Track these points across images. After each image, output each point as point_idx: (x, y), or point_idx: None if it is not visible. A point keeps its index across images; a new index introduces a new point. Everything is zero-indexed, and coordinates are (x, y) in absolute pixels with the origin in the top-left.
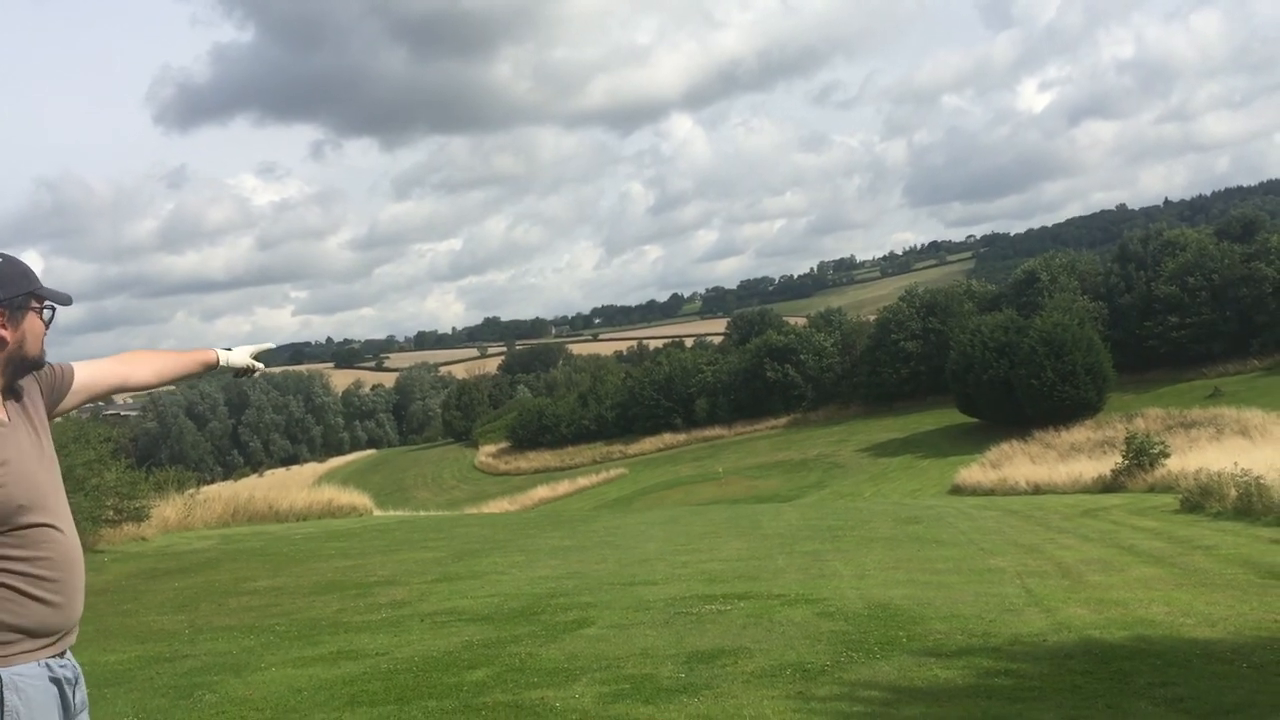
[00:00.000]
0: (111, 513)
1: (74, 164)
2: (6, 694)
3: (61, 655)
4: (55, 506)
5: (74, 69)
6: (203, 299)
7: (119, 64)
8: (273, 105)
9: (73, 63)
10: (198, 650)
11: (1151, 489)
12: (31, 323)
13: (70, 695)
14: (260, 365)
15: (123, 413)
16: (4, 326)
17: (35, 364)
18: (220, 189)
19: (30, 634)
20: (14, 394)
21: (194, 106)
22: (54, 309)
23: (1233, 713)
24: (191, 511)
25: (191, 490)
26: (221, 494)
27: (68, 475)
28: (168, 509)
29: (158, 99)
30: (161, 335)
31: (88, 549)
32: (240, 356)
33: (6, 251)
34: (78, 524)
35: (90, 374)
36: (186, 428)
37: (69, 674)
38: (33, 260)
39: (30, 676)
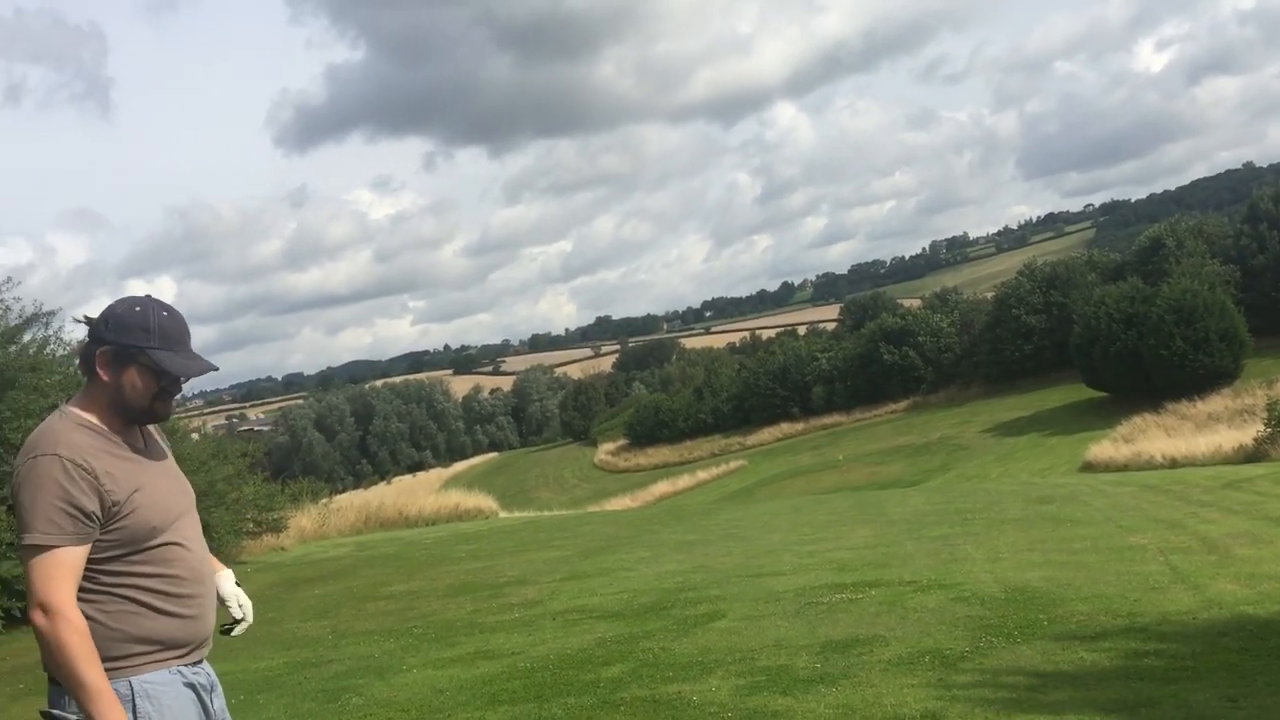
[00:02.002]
0: (251, 525)
1: (201, 190)
2: (138, 701)
3: (195, 664)
4: (186, 527)
5: (197, 98)
6: (325, 313)
7: (239, 90)
8: (385, 120)
9: (195, 92)
10: (341, 655)
11: None
12: (132, 376)
13: (208, 701)
14: (244, 616)
15: (256, 428)
16: (105, 367)
17: (148, 416)
18: (338, 205)
19: (162, 645)
20: (145, 430)
21: (311, 127)
22: (177, 379)
23: None
24: (326, 520)
25: (325, 500)
26: (353, 502)
27: (209, 491)
28: (304, 519)
29: (277, 121)
30: (290, 350)
31: (231, 561)
32: (229, 585)
33: (162, 300)
34: (221, 537)
35: None
36: (316, 439)
37: (204, 680)
38: (166, 285)
39: (161, 683)
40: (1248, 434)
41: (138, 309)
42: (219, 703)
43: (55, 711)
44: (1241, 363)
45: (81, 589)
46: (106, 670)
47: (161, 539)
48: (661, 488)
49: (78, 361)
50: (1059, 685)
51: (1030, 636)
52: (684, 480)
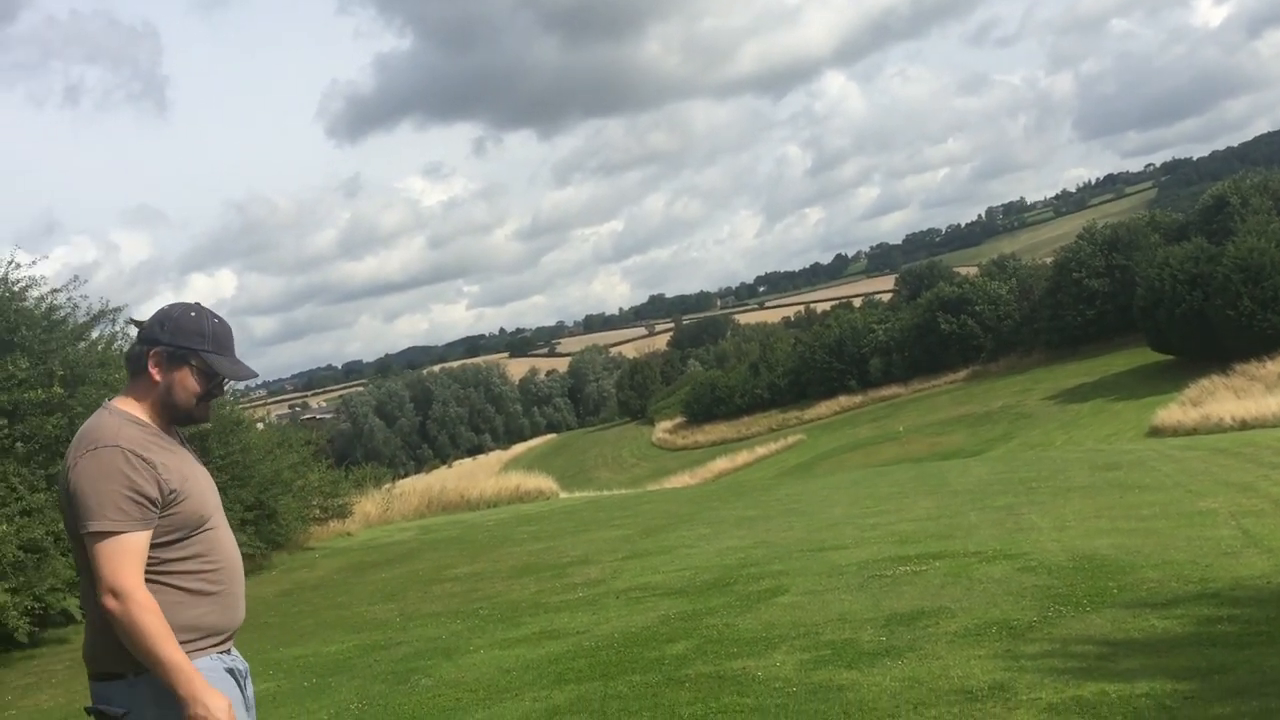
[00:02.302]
0: (318, 511)
1: (257, 183)
2: None
3: (229, 652)
4: (222, 518)
5: (250, 92)
6: (382, 301)
7: (291, 82)
8: (434, 107)
9: (249, 86)
10: (409, 637)
11: None
12: (183, 377)
13: (244, 686)
14: None
15: (318, 416)
16: (156, 367)
17: (188, 418)
18: (391, 194)
19: (205, 632)
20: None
21: (362, 116)
22: (222, 380)
23: None
24: (390, 505)
25: (388, 485)
26: (415, 487)
27: (275, 479)
28: (368, 504)
29: (328, 112)
30: (349, 338)
31: (299, 547)
32: None
33: (212, 309)
34: (288, 524)
35: None
36: (377, 426)
37: (240, 666)
38: (226, 279)
39: (208, 669)
40: None
41: (193, 314)
42: (250, 689)
43: (101, 707)
44: None
45: None
46: None
47: (207, 525)
48: (720, 464)
49: (126, 361)
50: (1130, 653)
51: (1099, 605)
52: (742, 456)
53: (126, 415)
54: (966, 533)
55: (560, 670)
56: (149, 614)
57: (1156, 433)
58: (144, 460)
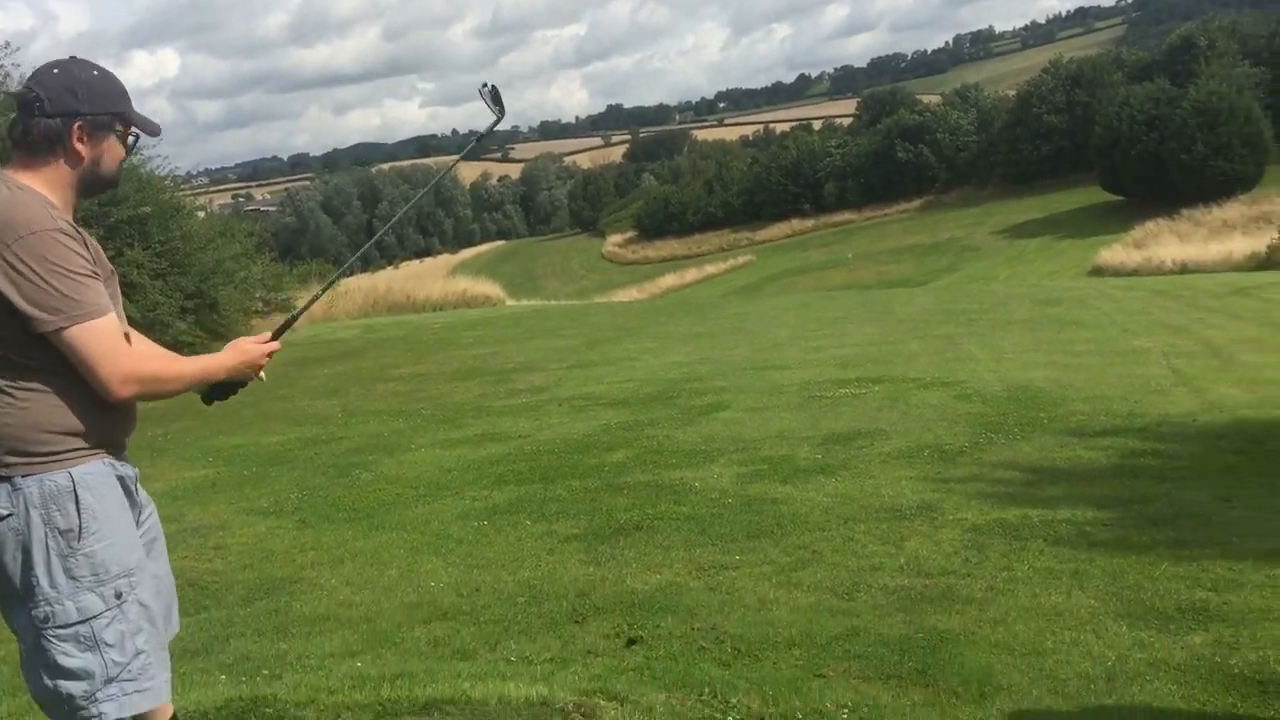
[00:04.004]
0: (260, 304)
1: None
2: (80, 492)
3: (120, 458)
4: (126, 327)
5: None
6: (332, 93)
7: None
8: None
9: None
10: (351, 432)
11: None
12: (111, 145)
13: (134, 491)
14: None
15: (262, 208)
16: (81, 141)
17: (109, 184)
18: None
19: (95, 438)
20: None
21: None
22: (137, 136)
23: None
24: (334, 303)
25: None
26: (361, 286)
27: (217, 268)
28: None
29: None
30: (296, 130)
31: None
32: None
33: (110, 59)
34: (229, 315)
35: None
36: (323, 222)
37: (130, 472)
38: (169, 58)
39: (97, 474)
40: (1261, 241)
41: (96, 74)
42: (143, 493)
43: None
44: (1264, 169)
45: (18, 373)
46: (44, 462)
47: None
48: (669, 280)
49: (21, 138)
50: (1054, 481)
51: (1029, 434)
52: (691, 274)
53: (36, 194)
54: (907, 360)
55: (501, 472)
56: (154, 364)
57: (1099, 272)
58: (82, 241)
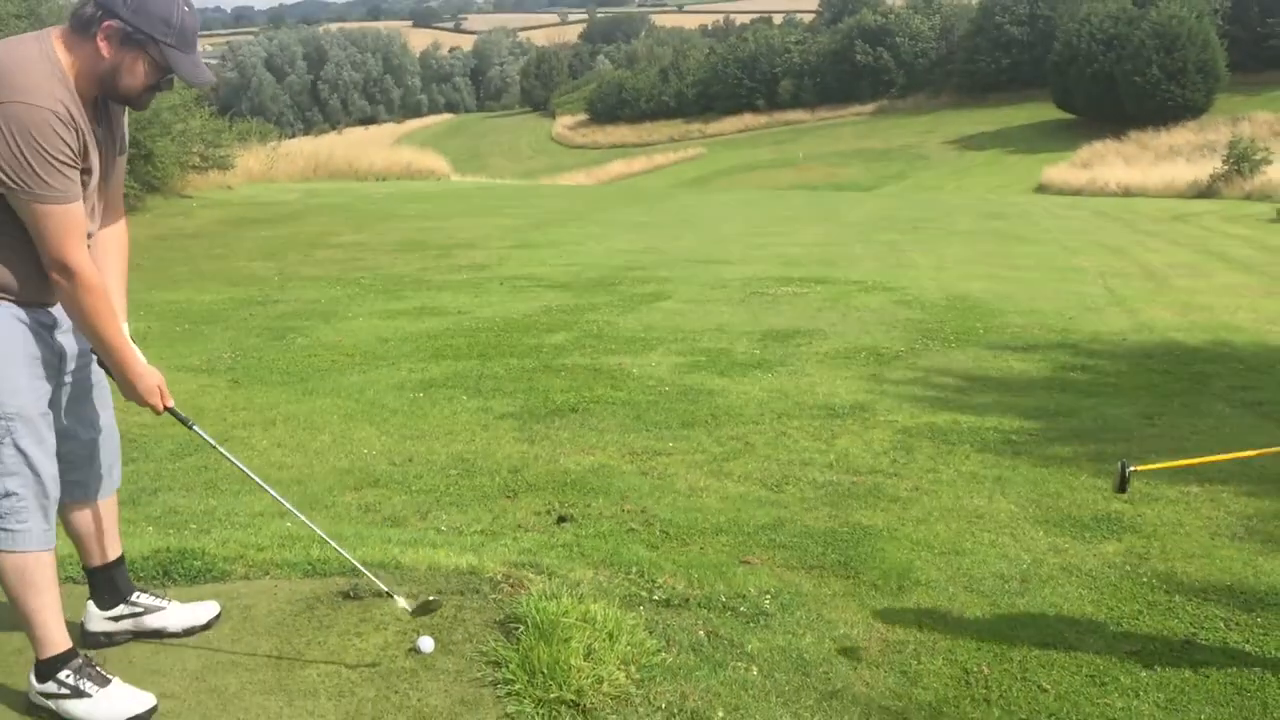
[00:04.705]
0: (198, 159)
1: None
2: None
3: (44, 306)
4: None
5: None
6: None
7: None
8: None
9: None
10: (287, 296)
11: (1249, 196)
12: (135, 64)
13: (51, 338)
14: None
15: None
16: (106, 41)
17: (125, 100)
18: None
19: (14, 289)
20: (105, 114)
21: None
22: (172, 80)
23: None
24: (274, 164)
25: (273, 143)
26: (303, 149)
27: (154, 119)
28: (251, 160)
29: None
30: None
31: (175, 194)
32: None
33: None
34: (165, 168)
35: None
36: (266, 80)
37: (48, 320)
38: None
39: (6, 314)
40: (1204, 170)
41: None
42: (72, 343)
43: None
44: (1213, 97)
45: None
46: None
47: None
48: (617, 167)
49: (71, 15)
50: (985, 389)
51: (964, 343)
52: (640, 162)
53: (59, 68)
54: (850, 263)
55: (438, 346)
56: (92, 294)
57: (1044, 189)
58: (75, 132)
